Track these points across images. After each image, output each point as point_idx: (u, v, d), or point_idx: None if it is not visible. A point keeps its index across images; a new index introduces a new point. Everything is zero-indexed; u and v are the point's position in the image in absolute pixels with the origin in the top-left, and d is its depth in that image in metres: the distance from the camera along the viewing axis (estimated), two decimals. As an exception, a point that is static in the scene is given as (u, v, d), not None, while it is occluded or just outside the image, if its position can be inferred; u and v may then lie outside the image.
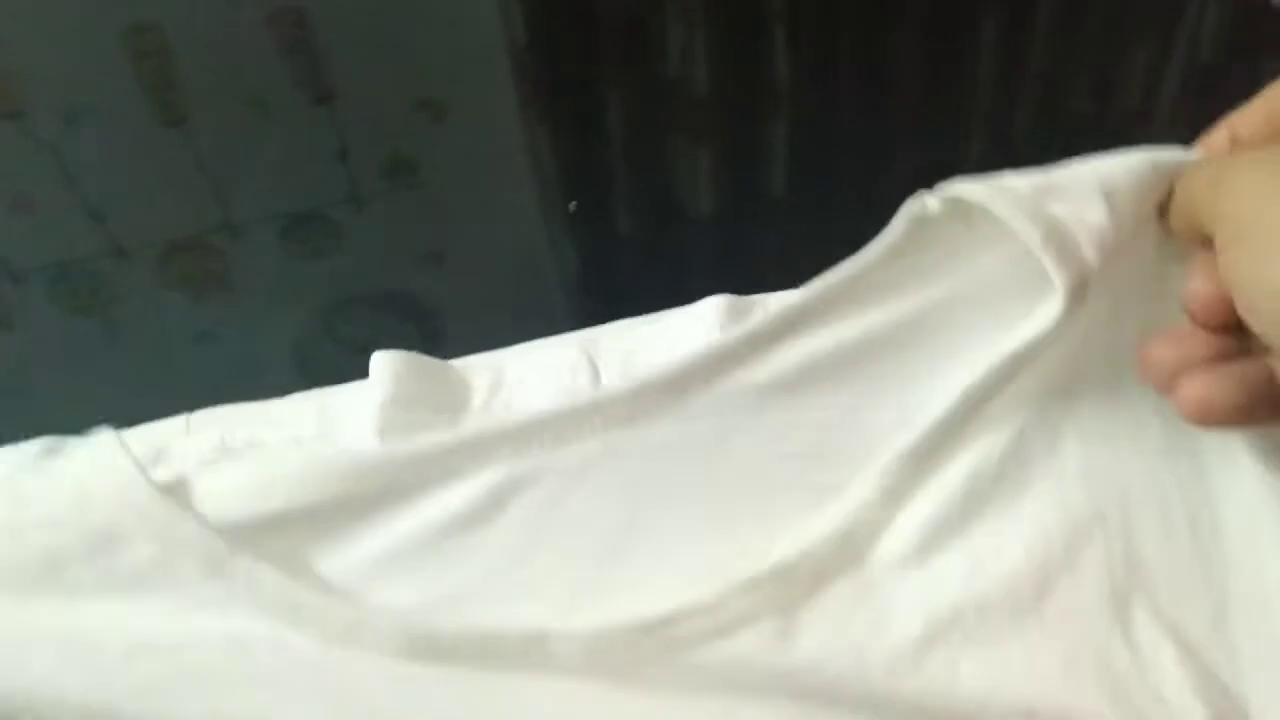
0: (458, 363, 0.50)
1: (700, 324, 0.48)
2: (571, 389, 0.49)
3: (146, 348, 0.56)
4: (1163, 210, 0.36)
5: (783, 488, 0.39)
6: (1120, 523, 0.39)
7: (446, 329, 0.55)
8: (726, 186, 0.53)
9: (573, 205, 0.58)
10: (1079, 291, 0.35)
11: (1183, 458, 0.39)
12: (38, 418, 0.48)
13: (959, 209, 0.37)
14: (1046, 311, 0.36)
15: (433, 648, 0.36)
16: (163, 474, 0.45)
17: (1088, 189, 0.35)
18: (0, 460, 0.44)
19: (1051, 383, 0.39)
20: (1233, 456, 0.37)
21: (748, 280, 0.47)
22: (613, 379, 0.49)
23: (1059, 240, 0.35)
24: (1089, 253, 0.35)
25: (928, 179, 0.37)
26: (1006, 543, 0.38)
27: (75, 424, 0.44)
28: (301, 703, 0.35)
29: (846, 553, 0.38)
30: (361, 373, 0.47)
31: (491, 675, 0.35)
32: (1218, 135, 0.36)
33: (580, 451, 0.39)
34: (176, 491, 0.37)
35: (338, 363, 0.45)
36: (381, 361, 0.48)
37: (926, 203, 0.37)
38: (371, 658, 0.35)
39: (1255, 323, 0.31)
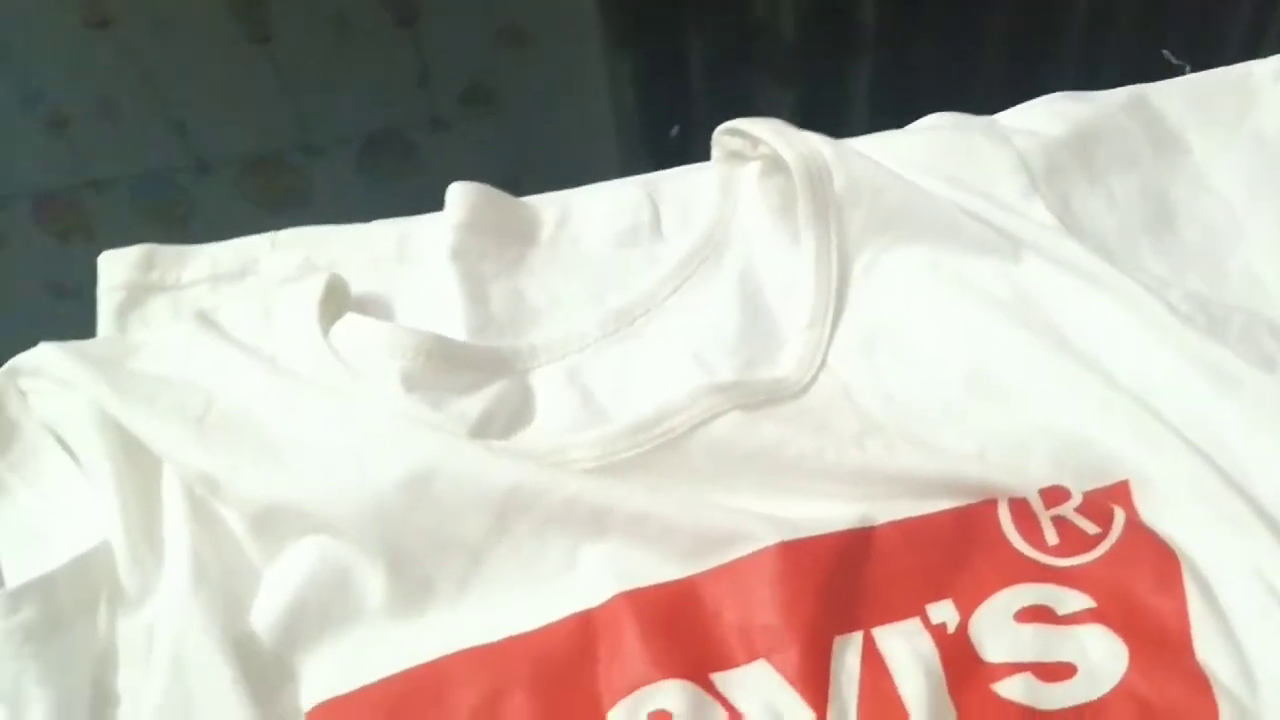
0: (529, 198, 0.53)
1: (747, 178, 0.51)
2: (634, 225, 0.52)
3: None
4: None
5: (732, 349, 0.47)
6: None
7: None
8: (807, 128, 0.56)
9: (675, 130, 0.60)
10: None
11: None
12: None
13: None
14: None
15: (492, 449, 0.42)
16: (251, 284, 0.48)
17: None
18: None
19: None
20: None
21: None
22: (671, 219, 0.52)
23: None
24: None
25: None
26: (911, 378, 0.46)
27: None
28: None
29: (787, 389, 0.45)
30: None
31: (532, 468, 0.40)
32: None
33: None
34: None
35: None
36: (458, 190, 0.51)
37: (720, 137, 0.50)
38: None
39: None
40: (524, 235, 0.52)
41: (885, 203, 0.48)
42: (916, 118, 0.54)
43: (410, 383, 0.43)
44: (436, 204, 0.51)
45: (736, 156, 0.51)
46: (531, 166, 0.58)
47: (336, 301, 0.47)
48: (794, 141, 0.48)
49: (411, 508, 0.40)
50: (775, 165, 0.49)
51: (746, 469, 0.42)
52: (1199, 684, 0.37)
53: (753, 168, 0.51)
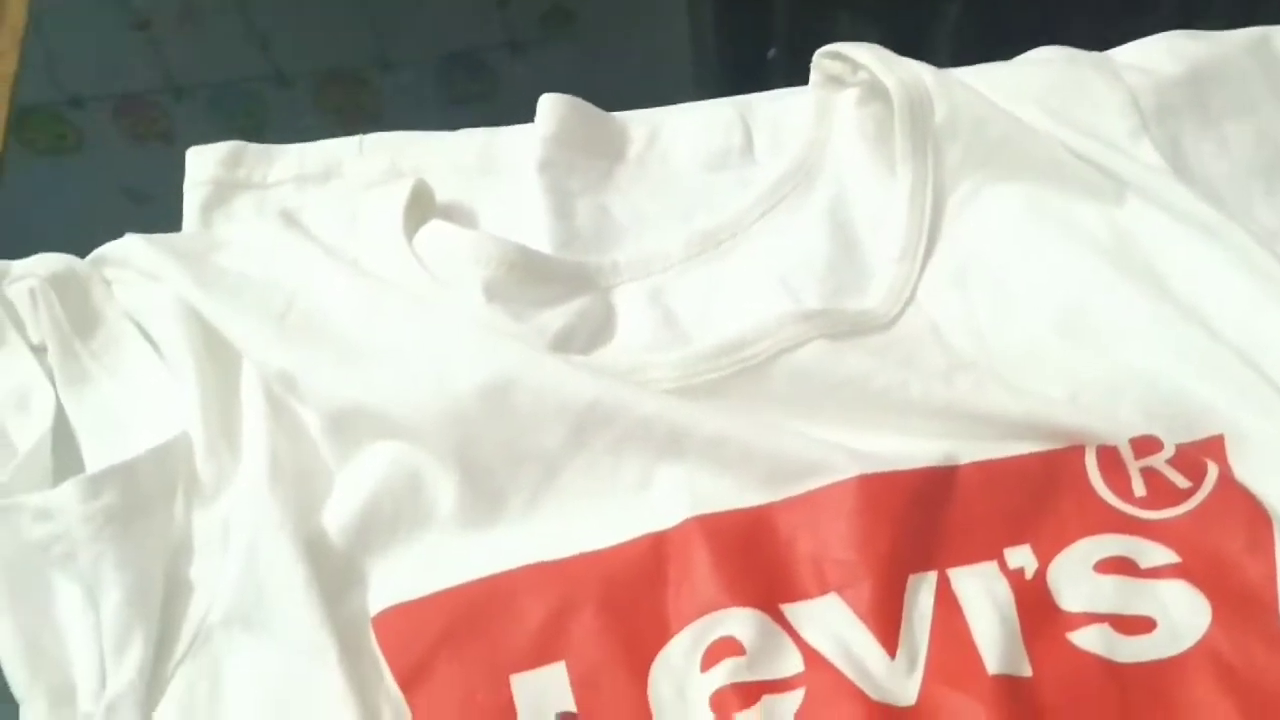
0: (618, 114, 0.52)
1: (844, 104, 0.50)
2: (725, 146, 0.51)
3: None
4: None
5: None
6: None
7: None
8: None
9: (772, 52, 0.59)
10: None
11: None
12: None
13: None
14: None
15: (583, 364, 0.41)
16: (336, 186, 0.48)
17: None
18: None
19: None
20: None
21: None
22: (763, 142, 0.51)
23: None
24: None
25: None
26: (1003, 317, 0.44)
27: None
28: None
29: (874, 321, 0.44)
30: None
31: (612, 383, 0.40)
32: None
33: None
34: None
35: None
36: (549, 102, 0.50)
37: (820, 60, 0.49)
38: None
39: None
40: (613, 151, 0.51)
41: (986, 136, 0.46)
42: (1015, 53, 0.52)
43: (492, 292, 0.43)
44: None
45: (835, 81, 0.50)
46: (608, 91, 0.56)
47: (421, 208, 0.47)
48: (895, 68, 0.46)
49: (489, 416, 0.39)
50: (874, 92, 0.48)
51: (829, 399, 0.41)
52: None
53: (850, 93, 0.49)
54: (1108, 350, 0.42)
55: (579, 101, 0.50)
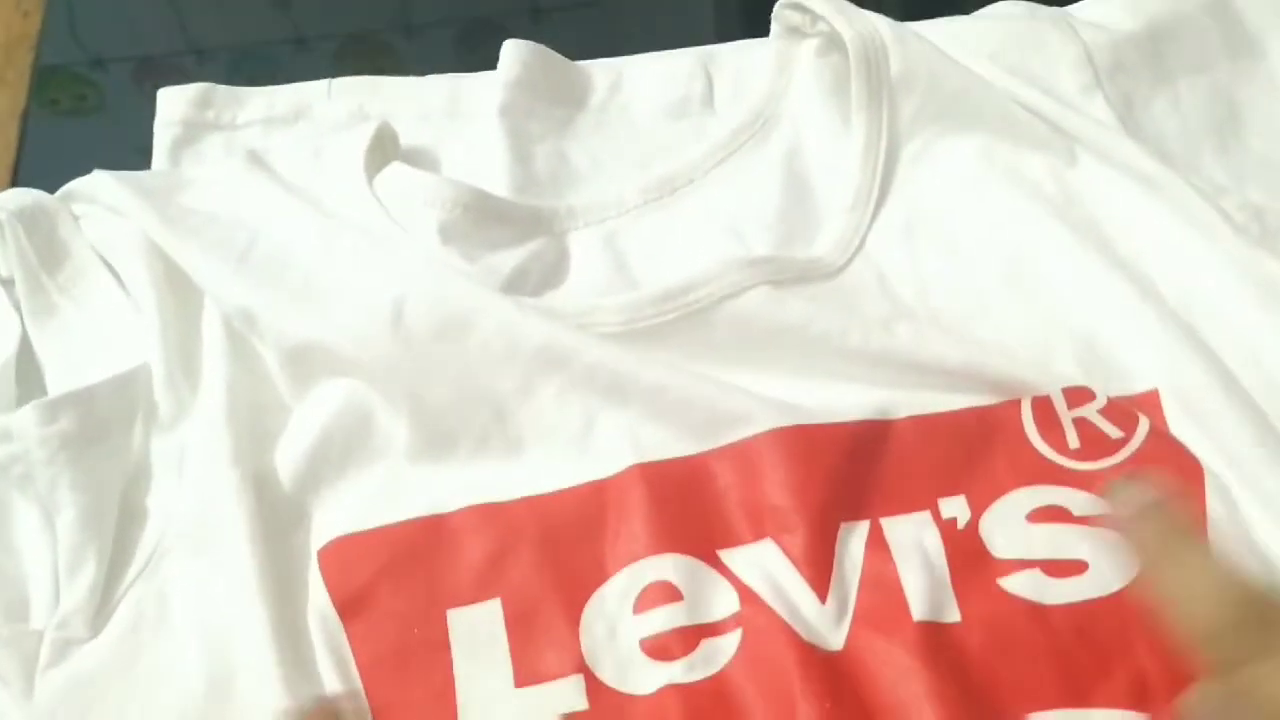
0: (582, 63, 0.52)
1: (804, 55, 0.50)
2: (685, 96, 0.52)
3: None
4: None
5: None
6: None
7: None
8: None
9: None
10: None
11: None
12: None
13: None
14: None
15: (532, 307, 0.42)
16: (303, 128, 0.49)
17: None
18: None
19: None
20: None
21: None
22: (723, 92, 0.52)
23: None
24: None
25: None
26: (949, 269, 0.45)
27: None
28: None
29: (821, 268, 0.45)
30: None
31: (561, 328, 0.41)
32: None
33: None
34: None
35: None
36: (512, 48, 0.51)
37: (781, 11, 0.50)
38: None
39: None
40: (574, 99, 0.51)
41: (941, 90, 0.47)
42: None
43: (447, 234, 0.44)
44: None
45: (796, 32, 0.50)
46: None
47: (384, 150, 0.48)
48: (853, 20, 0.47)
49: (440, 357, 0.41)
50: (833, 44, 0.48)
51: (770, 345, 0.42)
52: None
53: (810, 44, 0.50)
54: (1048, 303, 0.43)
55: (543, 48, 0.51)
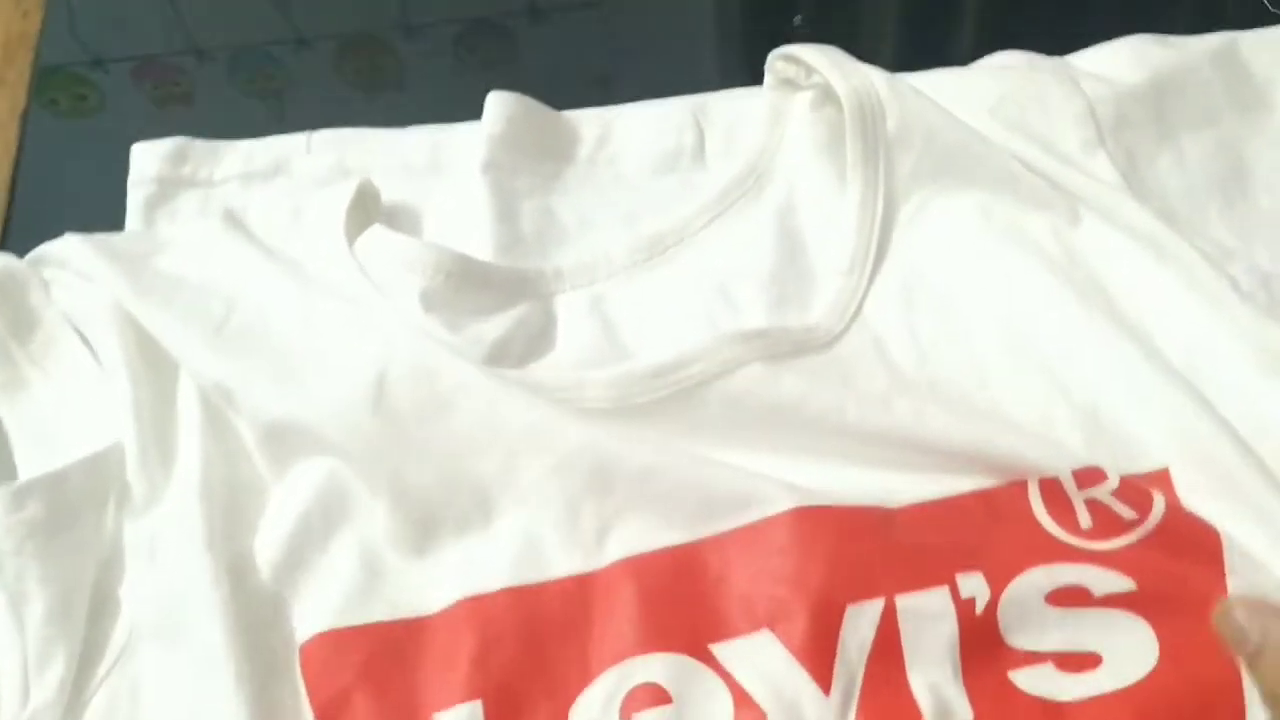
0: (570, 113, 0.51)
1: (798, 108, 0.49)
2: (676, 149, 0.50)
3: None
4: None
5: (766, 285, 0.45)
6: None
7: None
8: (910, 43, 0.55)
9: (798, 19, 0.58)
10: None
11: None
12: None
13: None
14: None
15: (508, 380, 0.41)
16: (282, 184, 0.47)
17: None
18: None
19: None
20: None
21: None
22: (715, 144, 0.51)
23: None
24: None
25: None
26: (948, 336, 0.43)
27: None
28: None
29: (817, 337, 0.43)
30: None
31: (544, 406, 0.40)
32: None
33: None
34: None
35: None
36: (496, 100, 0.49)
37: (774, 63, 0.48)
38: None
39: None
40: (561, 151, 0.50)
41: (939, 146, 0.45)
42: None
43: (429, 302, 0.43)
44: (528, 94, 0.50)
45: (789, 84, 0.49)
46: (629, 57, 0.57)
47: (366, 209, 0.46)
48: (849, 74, 0.45)
49: (422, 437, 0.39)
50: (827, 96, 0.47)
51: (765, 423, 0.41)
52: (1231, 677, 0.36)
53: (803, 97, 0.48)
54: (1052, 374, 0.42)
55: (529, 100, 0.50)
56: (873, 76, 0.46)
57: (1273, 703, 0.35)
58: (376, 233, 0.44)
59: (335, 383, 0.40)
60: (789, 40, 0.49)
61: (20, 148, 0.57)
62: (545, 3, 0.61)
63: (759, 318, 0.44)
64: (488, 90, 0.51)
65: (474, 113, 0.50)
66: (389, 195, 0.48)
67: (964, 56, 0.52)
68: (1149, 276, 0.43)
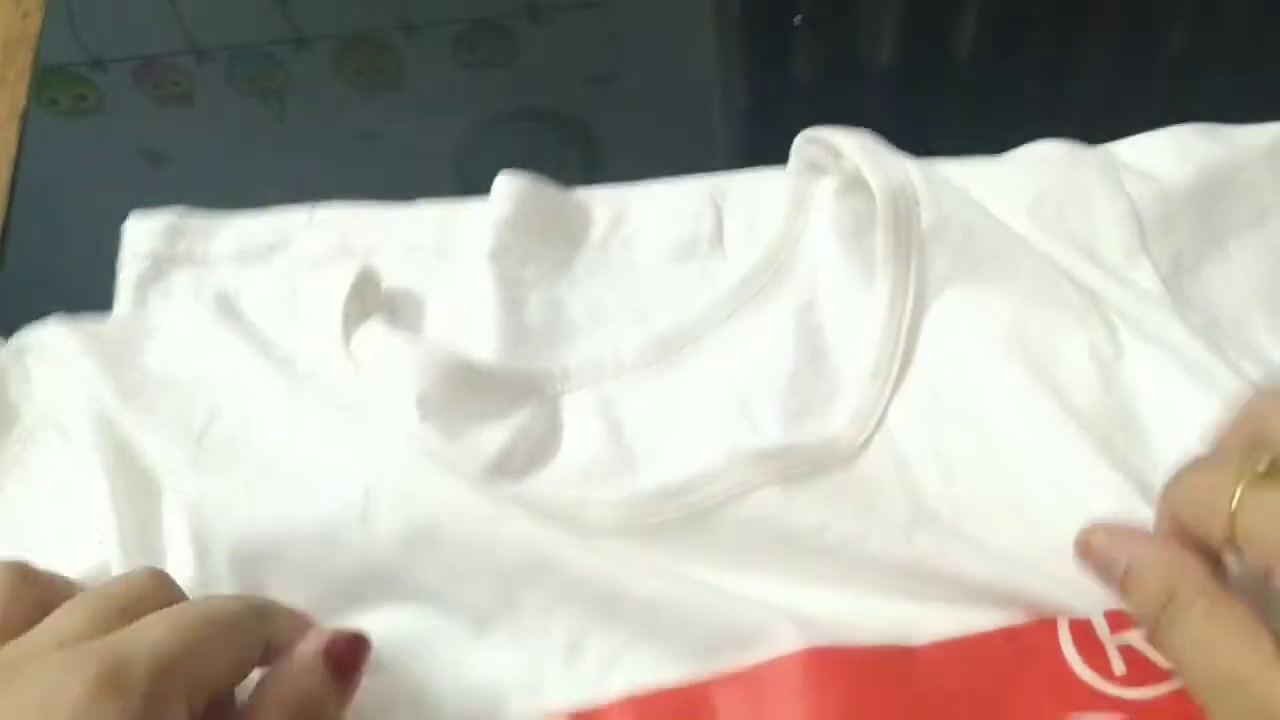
0: (582, 193, 0.49)
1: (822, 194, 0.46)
2: (693, 235, 0.48)
3: (311, 136, 0.58)
4: None
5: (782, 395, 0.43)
6: None
7: (605, 151, 0.55)
8: (910, 43, 0.54)
9: (798, 19, 0.57)
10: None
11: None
12: (206, 193, 0.51)
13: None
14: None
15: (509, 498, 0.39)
16: (279, 263, 0.45)
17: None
18: None
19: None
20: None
21: (916, 141, 0.46)
22: (734, 229, 0.48)
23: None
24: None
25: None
26: (976, 457, 0.41)
27: (241, 201, 0.49)
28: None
29: (837, 452, 0.41)
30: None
31: (544, 529, 0.38)
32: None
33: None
34: None
35: (494, 175, 0.47)
36: (505, 183, 0.47)
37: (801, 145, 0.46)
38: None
39: None
40: (572, 236, 0.48)
41: (975, 247, 0.43)
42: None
43: (426, 408, 0.40)
44: (528, 95, 0.51)
45: (815, 167, 0.46)
46: (629, 58, 0.57)
47: (365, 297, 0.44)
48: (883, 164, 0.43)
49: (413, 564, 0.37)
50: (856, 183, 0.45)
51: (779, 550, 0.39)
52: None
53: (829, 183, 0.46)
54: (1085, 508, 0.39)
55: (539, 183, 0.47)
56: (908, 168, 0.43)
57: (1149, 623, 0.33)
58: (375, 330, 0.42)
59: (318, 502, 0.38)
60: (789, 40, 0.48)
61: (20, 148, 0.57)
62: (545, 2, 0.61)
63: (776, 430, 0.42)
64: (488, 90, 0.51)
65: (473, 112, 0.51)
66: (391, 279, 0.46)
67: (964, 56, 0.52)
68: (1190, 405, 0.40)
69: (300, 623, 0.34)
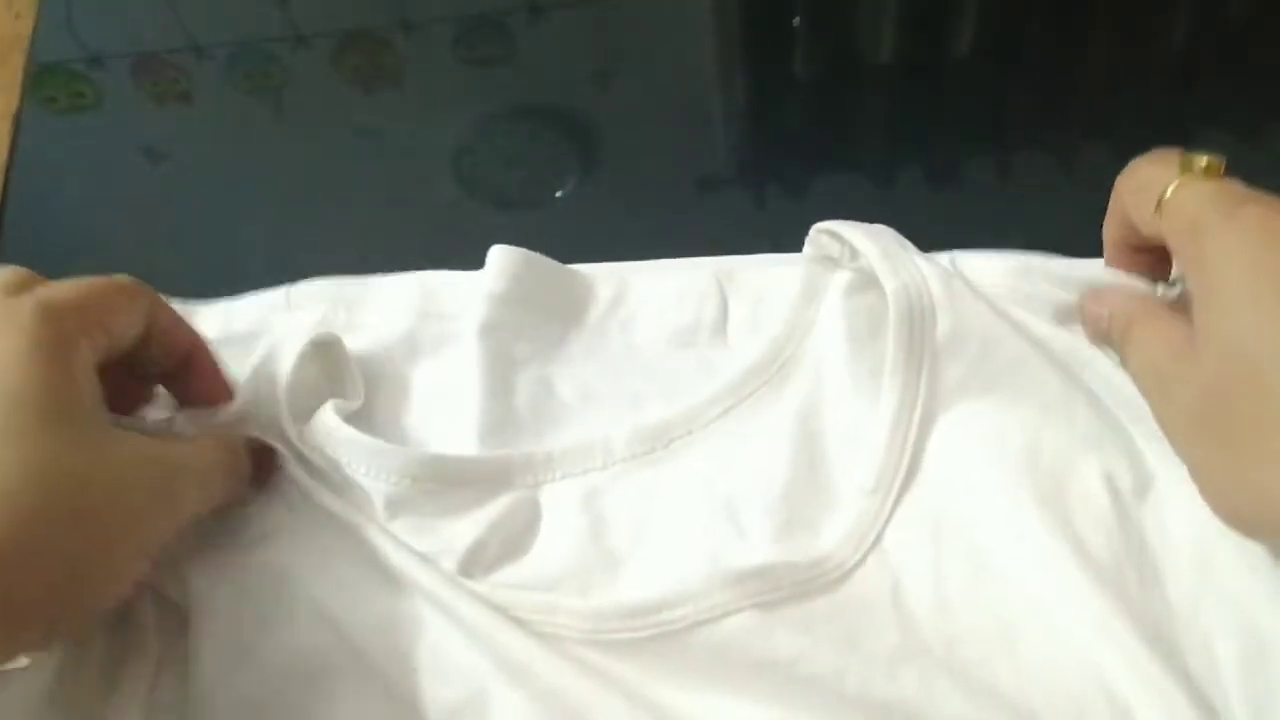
0: (584, 269, 0.46)
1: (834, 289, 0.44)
2: (695, 322, 0.45)
3: (310, 134, 0.58)
4: None
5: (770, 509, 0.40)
6: None
7: (604, 149, 0.55)
8: (909, 43, 0.54)
9: (796, 20, 0.57)
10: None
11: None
12: (204, 191, 0.53)
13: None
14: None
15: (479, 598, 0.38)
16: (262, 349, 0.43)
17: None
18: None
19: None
20: None
21: (917, 141, 0.47)
22: (739, 317, 0.46)
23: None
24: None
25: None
26: (975, 590, 0.38)
27: (240, 199, 0.51)
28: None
29: (826, 573, 0.39)
30: (515, 188, 0.51)
31: (512, 637, 0.37)
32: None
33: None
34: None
35: (493, 174, 0.49)
36: (500, 256, 0.45)
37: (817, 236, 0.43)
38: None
39: None
40: (570, 312, 0.45)
41: (991, 361, 0.40)
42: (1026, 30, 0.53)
43: (394, 508, 0.39)
44: (527, 93, 0.52)
45: (828, 260, 0.43)
46: (627, 55, 0.57)
47: (331, 373, 0.42)
48: (900, 267, 0.40)
49: (379, 665, 0.36)
50: (869, 280, 0.42)
51: (752, 679, 0.37)
52: None
53: (841, 277, 0.43)
54: (1085, 657, 0.36)
55: (536, 257, 0.45)
56: (926, 272, 0.40)
57: (1150, 380, 0.37)
58: (330, 426, 0.40)
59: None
60: (788, 39, 0.49)
61: (13, 149, 0.57)
62: (545, 1, 0.61)
63: (764, 541, 0.39)
64: (487, 87, 0.53)
65: (472, 110, 0.51)
66: (373, 354, 0.44)
67: (963, 56, 0.53)
68: (1210, 546, 0.37)
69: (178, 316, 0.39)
